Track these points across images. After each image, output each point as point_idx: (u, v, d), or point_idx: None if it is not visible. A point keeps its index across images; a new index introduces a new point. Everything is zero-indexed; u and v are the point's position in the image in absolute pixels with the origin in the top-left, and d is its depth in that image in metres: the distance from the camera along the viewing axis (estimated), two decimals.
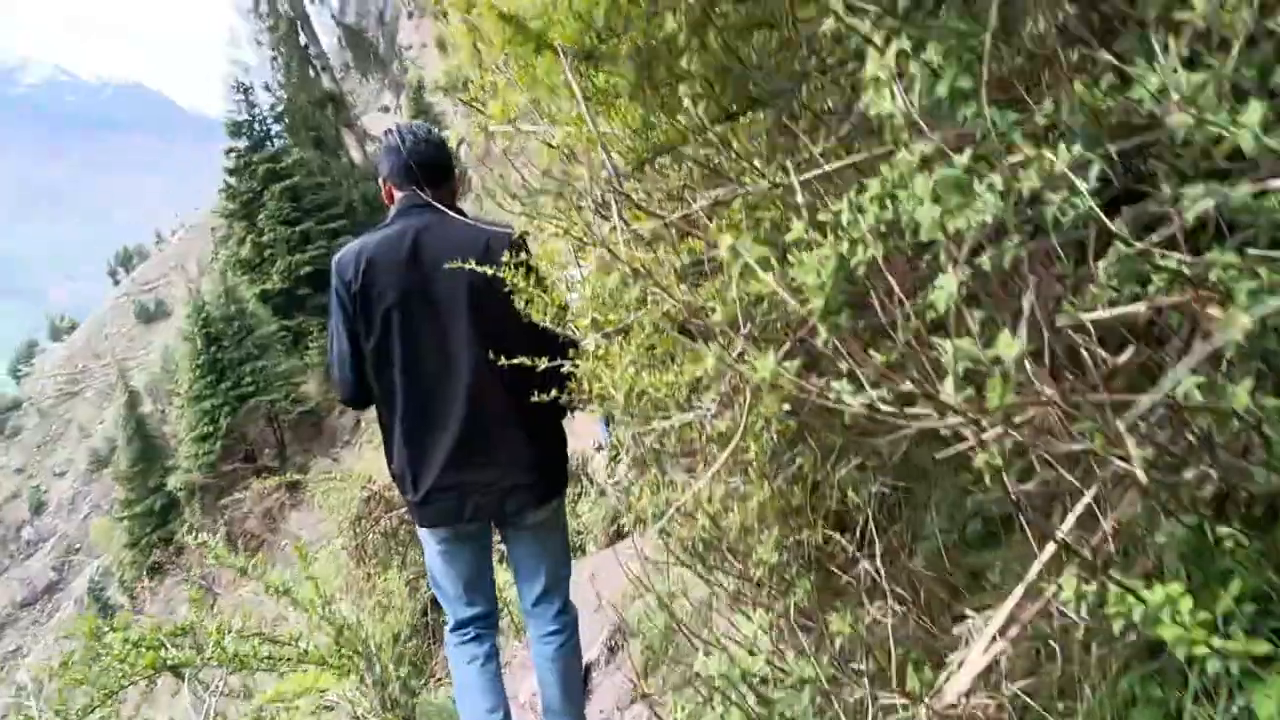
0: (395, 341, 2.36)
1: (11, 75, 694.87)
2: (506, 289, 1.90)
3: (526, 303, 1.86)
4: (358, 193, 32.53)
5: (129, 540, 29.02)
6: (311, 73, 34.16)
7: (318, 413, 27.32)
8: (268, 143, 31.17)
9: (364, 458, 9.88)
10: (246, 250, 29.91)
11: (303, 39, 33.34)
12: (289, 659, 2.22)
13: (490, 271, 1.99)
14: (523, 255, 2.08)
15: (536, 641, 2.66)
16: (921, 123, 0.87)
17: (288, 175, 29.46)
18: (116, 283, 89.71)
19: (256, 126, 30.96)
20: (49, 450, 71.71)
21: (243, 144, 30.42)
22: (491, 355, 2.09)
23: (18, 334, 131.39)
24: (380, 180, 2.55)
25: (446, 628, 2.67)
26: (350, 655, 2.41)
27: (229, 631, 2.08)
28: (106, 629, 1.98)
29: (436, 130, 2.58)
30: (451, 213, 2.41)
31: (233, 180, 30.47)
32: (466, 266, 2.09)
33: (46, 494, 67.05)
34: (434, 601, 4.12)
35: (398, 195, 2.48)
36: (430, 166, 2.45)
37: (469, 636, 2.59)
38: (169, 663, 1.91)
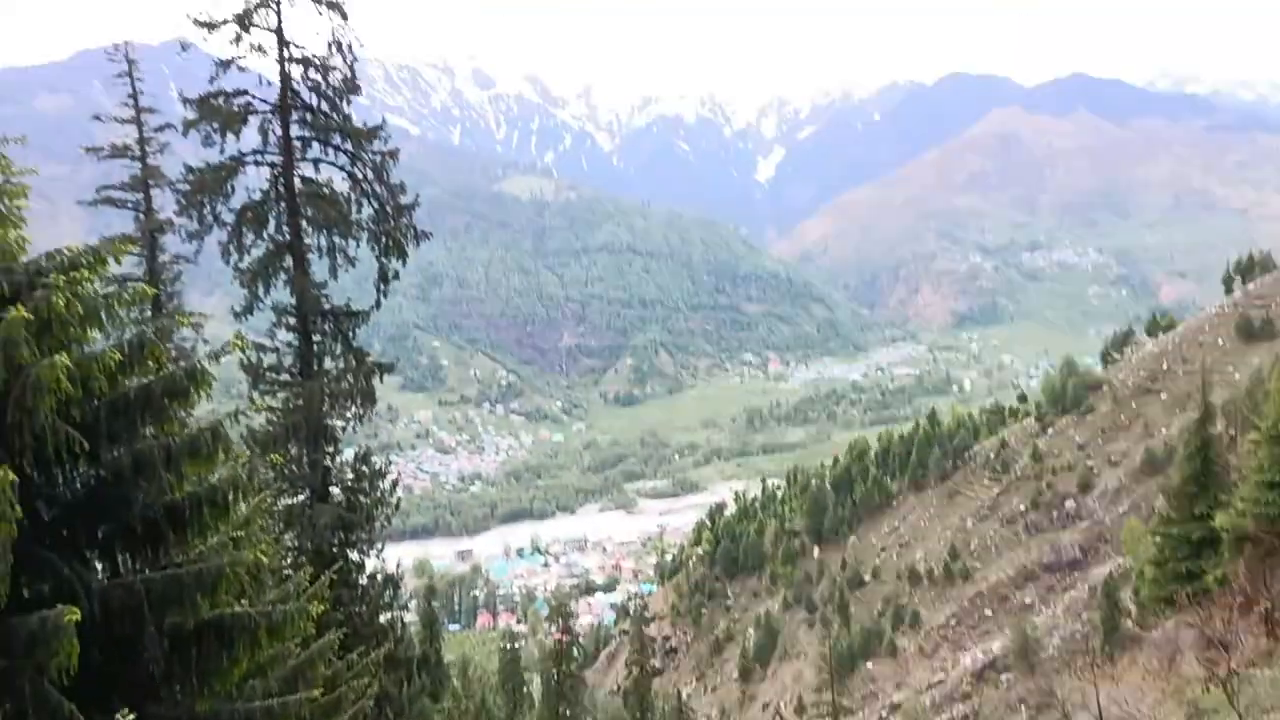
0: None
1: (1196, 74, 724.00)
2: None
3: None
4: None
5: (1155, 557, 27.49)
6: None
7: None
8: None
9: None
10: None
11: None
12: None
13: None
14: None
15: None
16: None
17: None
18: (1229, 291, 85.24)
19: None
20: (1111, 436, 74.49)
21: None
22: None
23: (1120, 321, 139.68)
24: None
25: None
26: None
27: None
28: None
29: None
30: None
31: None
32: None
33: (1097, 476, 70.35)
34: None
35: None
36: None
37: None
38: None
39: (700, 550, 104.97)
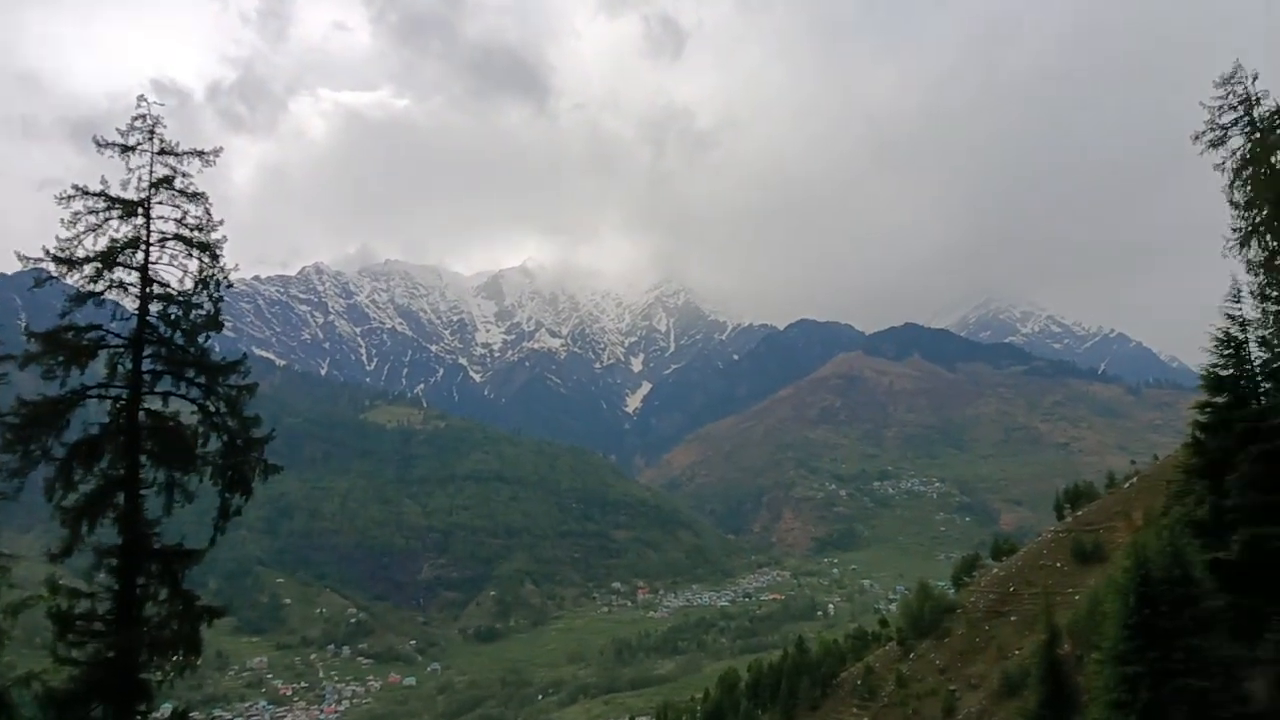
0: None
1: (1013, 325, 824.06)
2: None
3: None
4: None
5: None
6: None
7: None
8: (1253, 401, 27.13)
9: None
10: (1204, 511, 26.15)
11: None
12: None
13: None
14: None
15: None
16: None
17: (1272, 438, 24.93)
18: (1061, 517, 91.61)
19: (1243, 383, 27.29)
20: (969, 659, 75.55)
21: (1221, 399, 27.12)
22: None
23: (967, 546, 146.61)
24: None
25: None
26: None
27: None
28: None
29: None
30: None
31: (1203, 436, 27.30)
32: None
33: (959, 699, 70.43)
34: None
35: None
36: None
37: None
38: None
39: None
